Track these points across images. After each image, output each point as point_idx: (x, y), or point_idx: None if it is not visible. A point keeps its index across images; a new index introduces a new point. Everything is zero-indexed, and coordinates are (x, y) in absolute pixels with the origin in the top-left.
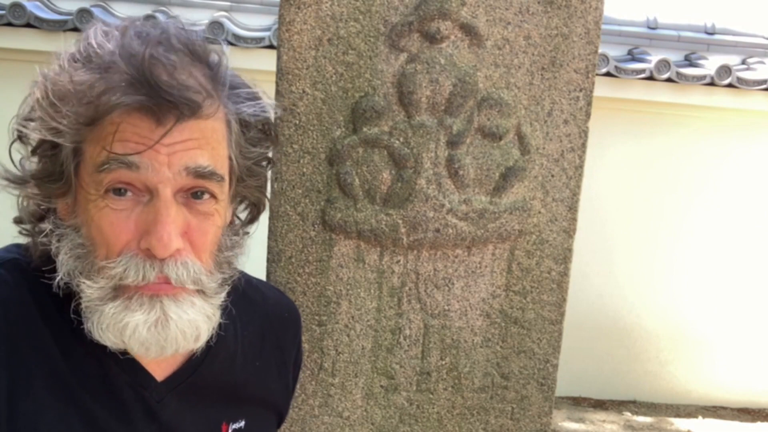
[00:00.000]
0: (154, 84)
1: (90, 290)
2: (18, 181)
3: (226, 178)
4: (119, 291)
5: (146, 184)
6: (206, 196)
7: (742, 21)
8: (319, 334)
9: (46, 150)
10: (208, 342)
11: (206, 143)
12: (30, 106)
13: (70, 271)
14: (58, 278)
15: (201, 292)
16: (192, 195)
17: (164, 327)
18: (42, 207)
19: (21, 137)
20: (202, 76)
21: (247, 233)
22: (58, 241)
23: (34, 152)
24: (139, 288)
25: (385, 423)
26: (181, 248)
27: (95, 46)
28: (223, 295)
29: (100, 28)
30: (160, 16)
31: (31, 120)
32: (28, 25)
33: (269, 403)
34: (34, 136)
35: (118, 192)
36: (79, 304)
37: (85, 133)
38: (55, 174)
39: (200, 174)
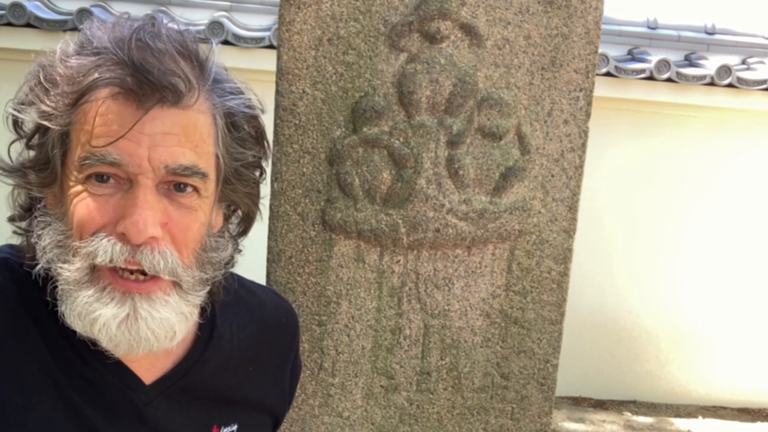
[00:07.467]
0: (138, 64)
1: (66, 273)
2: (8, 170)
3: (212, 175)
4: (93, 276)
5: (128, 174)
6: (189, 189)
7: (742, 21)
8: (319, 334)
9: (37, 138)
10: (200, 347)
11: (188, 140)
12: (24, 93)
13: (49, 260)
14: (38, 267)
15: (177, 286)
16: (175, 187)
17: (134, 325)
18: (31, 196)
19: (15, 123)
20: (188, 67)
21: (239, 250)
22: (42, 229)
23: (28, 143)
24: (112, 279)
25: (385, 423)
26: (158, 237)
27: (89, 35)
28: (203, 293)
29: (96, 22)
30: (160, 16)
31: (24, 104)
32: (28, 25)
33: (264, 407)
34: (26, 119)
35: (101, 178)
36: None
37: (72, 115)
38: (42, 162)
39: (180, 174)
